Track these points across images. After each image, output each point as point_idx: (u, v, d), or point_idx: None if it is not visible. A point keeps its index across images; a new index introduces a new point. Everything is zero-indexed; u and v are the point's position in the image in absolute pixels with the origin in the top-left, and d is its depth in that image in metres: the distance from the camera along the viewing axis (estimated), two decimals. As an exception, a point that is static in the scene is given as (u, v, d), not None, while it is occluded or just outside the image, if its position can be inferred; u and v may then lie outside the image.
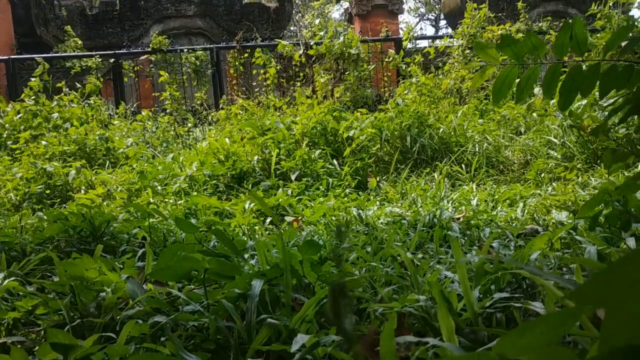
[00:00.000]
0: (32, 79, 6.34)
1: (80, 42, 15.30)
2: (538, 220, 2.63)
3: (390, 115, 4.68)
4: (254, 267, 1.62)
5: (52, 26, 17.63)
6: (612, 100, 1.60)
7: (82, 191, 4.75)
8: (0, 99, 6.41)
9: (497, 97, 1.50)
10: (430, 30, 25.56)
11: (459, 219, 2.94)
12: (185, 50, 10.72)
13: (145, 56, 10.99)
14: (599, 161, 3.95)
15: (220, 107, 8.77)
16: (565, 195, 3.11)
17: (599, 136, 3.47)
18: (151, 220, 2.66)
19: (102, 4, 17.32)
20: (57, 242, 2.33)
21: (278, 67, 9.26)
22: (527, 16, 12.39)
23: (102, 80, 10.50)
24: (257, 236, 2.73)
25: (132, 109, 9.68)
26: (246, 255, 1.92)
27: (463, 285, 1.16)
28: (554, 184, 3.77)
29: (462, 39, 7.53)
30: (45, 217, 2.88)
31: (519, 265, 1.24)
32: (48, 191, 4.74)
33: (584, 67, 1.38)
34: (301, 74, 9.67)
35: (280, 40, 9.87)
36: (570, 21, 1.34)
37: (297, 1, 24.53)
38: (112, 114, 8.93)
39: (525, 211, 3.05)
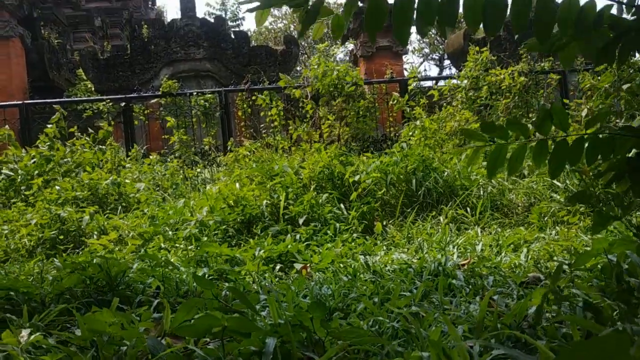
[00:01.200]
0: (48, 125, 6.53)
1: (90, 85, 15.65)
2: (541, 267, 2.70)
3: (395, 160, 4.79)
4: (266, 320, 1.70)
5: (64, 70, 18.04)
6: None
7: (95, 236, 4.85)
8: (15, 144, 6.59)
9: (492, 172, 1.61)
10: (434, 70, 25.98)
11: (464, 265, 3.01)
12: (195, 93, 10.96)
13: (155, 99, 11.23)
14: (601, 204, 4.02)
15: (229, 149, 8.91)
16: (568, 241, 3.18)
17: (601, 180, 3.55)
18: (164, 270, 2.75)
19: (113, 48, 17.78)
20: (75, 292, 2.42)
21: (281, 107, 9.44)
22: (529, 57, 12.63)
23: (113, 123, 10.74)
24: (267, 282, 2.81)
25: (142, 151, 9.84)
26: (258, 306, 2.00)
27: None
28: (557, 227, 3.84)
29: (465, 81, 7.70)
30: (62, 266, 2.98)
31: (516, 320, 1.32)
32: (62, 236, 4.84)
33: (569, 141, 1.49)
34: (307, 115, 9.82)
35: (285, 76, 10.06)
36: (549, 106, 1.46)
37: (303, 43, 25.08)
38: (123, 156, 9.09)
39: (529, 256, 3.12)
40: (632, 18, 1.38)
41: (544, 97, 9.06)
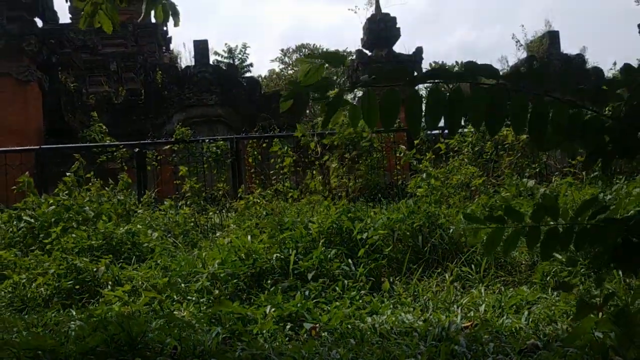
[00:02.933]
0: (67, 174, 6.77)
1: (104, 127, 15.99)
2: (540, 333, 2.82)
3: (402, 217, 4.95)
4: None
5: (79, 113, 18.48)
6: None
7: (109, 286, 5.00)
8: (34, 192, 6.81)
9: (489, 251, 1.77)
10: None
11: (467, 327, 3.14)
12: (207, 140, 11.24)
13: (169, 146, 11.52)
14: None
15: (239, 196, 9.09)
16: (567, 304, 3.30)
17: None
18: (181, 329, 2.90)
19: (128, 91, 18.26)
20: (98, 351, 2.56)
21: (294, 158, 9.64)
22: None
23: (126, 168, 11.01)
24: (278, 343, 2.94)
25: (154, 196, 10.03)
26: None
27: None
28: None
29: (471, 136, 7.92)
30: (83, 321, 3.13)
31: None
32: (77, 286, 4.99)
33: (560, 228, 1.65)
34: (316, 163, 10.01)
35: (300, 126, 10.28)
36: (541, 198, 1.63)
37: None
38: (135, 201, 9.28)
39: (530, 319, 3.25)
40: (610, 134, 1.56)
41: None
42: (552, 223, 1.70)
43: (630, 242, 1.63)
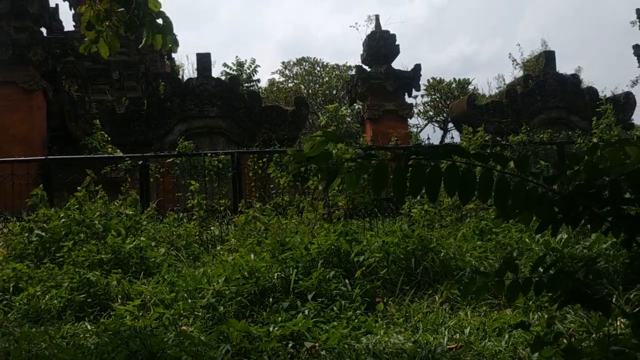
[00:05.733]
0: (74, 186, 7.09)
1: (106, 135, 16.27)
2: (516, 357, 3.15)
3: (396, 241, 5.29)
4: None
5: (81, 121, 18.79)
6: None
7: (119, 300, 5.31)
8: (46, 205, 7.12)
9: (465, 296, 2.11)
10: (438, 133, 26.82)
11: (452, 349, 3.47)
12: (209, 154, 11.55)
13: (171, 159, 11.83)
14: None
15: (239, 210, 9.38)
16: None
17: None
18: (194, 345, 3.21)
19: (129, 100, 18.59)
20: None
21: (289, 178, 9.91)
22: (527, 128, 13.28)
23: (129, 179, 11.31)
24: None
25: (155, 207, 10.32)
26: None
27: None
28: (539, 312, 4.29)
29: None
30: (102, 333, 3.45)
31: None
32: (89, 299, 5.29)
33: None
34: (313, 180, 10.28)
35: (291, 150, 10.57)
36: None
37: (312, 102, 25.99)
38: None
39: (510, 342, 3.58)
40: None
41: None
42: (512, 277, 2.04)
43: (579, 289, 1.97)
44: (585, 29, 69.24)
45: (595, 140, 9.98)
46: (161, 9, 4.39)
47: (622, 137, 9.57)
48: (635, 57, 18.78)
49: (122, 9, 3.67)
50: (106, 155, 12.58)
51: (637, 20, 18.63)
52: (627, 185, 1.68)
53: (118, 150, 14.98)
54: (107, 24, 3.74)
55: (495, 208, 1.85)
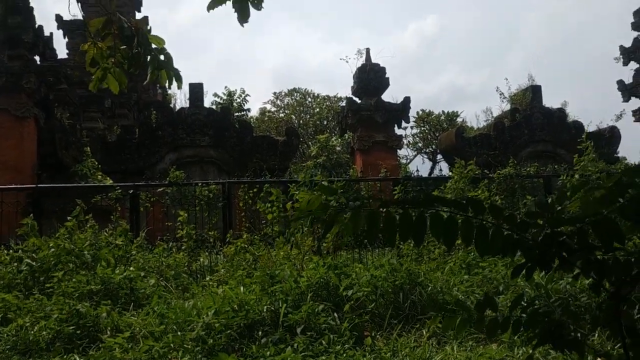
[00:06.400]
0: (68, 219, 7.12)
1: (97, 163, 16.30)
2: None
3: (384, 275, 5.36)
4: None
5: (72, 149, 18.82)
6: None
7: (108, 332, 5.31)
8: (36, 235, 7.13)
9: (446, 330, 2.19)
10: (427, 165, 27.08)
11: (438, 385, 3.52)
12: (200, 184, 11.62)
13: (162, 188, 11.88)
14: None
15: (228, 241, 9.40)
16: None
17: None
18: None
19: (121, 128, 18.67)
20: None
21: (278, 212, 9.94)
22: (515, 161, 13.49)
23: (119, 208, 11.32)
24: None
25: (145, 236, 10.32)
26: None
27: None
28: (524, 347, 4.36)
29: (450, 194, 8.41)
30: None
31: None
32: (79, 331, 5.28)
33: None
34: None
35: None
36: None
37: (303, 132, 26.21)
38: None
39: (495, 378, 3.64)
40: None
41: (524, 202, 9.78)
42: (491, 315, 2.14)
43: (552, 329, 2.07)
44: (573, 63, 70.69)
45: (576, 176, 10.15)
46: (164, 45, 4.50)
47: (606, 172, 9.78)
48: (619, 92, 19.19)
49: (125, 46, 3.76)
50: (97, 184, 12.58)
51: (621, 56, 19.07)
52: (593, 232, 1.79)
53: (108, 178, 15.00)
54: (112, 60, 3.83)
55: (476, 248, 1.95)
